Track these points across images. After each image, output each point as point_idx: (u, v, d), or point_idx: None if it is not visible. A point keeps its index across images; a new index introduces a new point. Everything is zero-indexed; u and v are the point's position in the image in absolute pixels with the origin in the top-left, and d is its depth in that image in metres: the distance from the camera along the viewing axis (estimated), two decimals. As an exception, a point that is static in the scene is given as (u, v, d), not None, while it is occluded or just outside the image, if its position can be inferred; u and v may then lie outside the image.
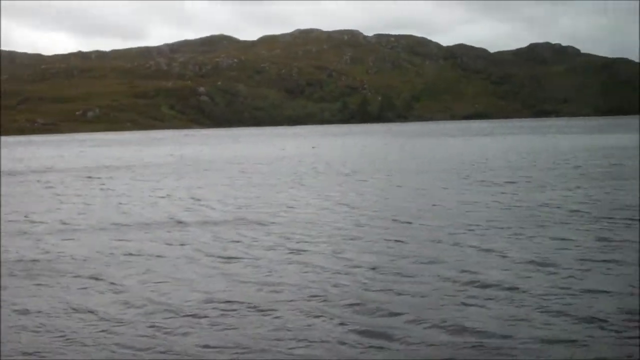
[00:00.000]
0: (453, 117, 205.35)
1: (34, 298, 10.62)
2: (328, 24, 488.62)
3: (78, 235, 16.51)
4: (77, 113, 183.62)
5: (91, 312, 9.76)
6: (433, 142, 67.72)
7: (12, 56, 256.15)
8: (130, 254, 13.78)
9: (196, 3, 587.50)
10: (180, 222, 18.06)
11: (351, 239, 14.78)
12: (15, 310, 9.89)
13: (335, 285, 10.79)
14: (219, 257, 13.29)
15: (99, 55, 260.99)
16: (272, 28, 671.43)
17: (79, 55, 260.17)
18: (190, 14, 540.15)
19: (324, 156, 47.91)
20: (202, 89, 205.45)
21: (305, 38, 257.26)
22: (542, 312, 9.06)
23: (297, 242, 14.57)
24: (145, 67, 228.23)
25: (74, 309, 9.95)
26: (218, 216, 19.08)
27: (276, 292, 10.50)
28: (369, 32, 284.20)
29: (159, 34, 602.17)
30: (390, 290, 10.41)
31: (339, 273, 11.66)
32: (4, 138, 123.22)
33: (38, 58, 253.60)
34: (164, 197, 24.70)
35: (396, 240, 14.38)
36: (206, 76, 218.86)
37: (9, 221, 18.99)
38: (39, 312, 9.82)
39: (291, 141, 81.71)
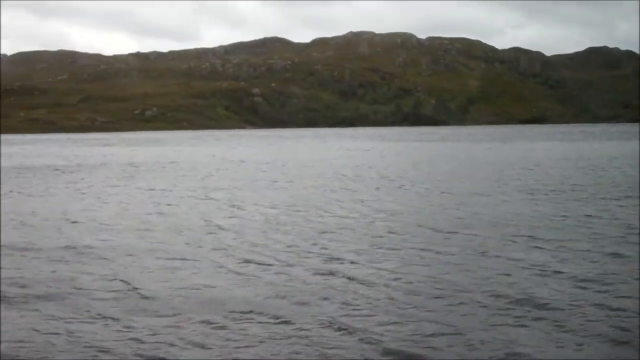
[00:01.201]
0: (509, 121, 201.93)
1: None
2: (380, 27, 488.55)
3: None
4: (135, 112, 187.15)
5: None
6: (488, 147, 66.25)
7: (73, 56, 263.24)
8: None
9: (249, 4, 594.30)
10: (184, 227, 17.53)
11: (388, 249, 14.12)
12: None
13: (369, 300, 10.18)
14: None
15: (157, 55, 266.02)
16: (324, 30, 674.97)
17: (138, 55, 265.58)
18: (243, 15, 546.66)
19: (369, 159, 47.23)
20: (256, 90, 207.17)
21: (358, 40, 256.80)
22: (591, 335, 8.33)
23: (330, 250, 14.00)
24: (201, 68, 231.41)
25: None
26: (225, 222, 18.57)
27: (299, 302, 9.96)
28: (421, 35, 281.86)
29: (213, 35, 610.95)
30: (429, 307, 9.76)
31: (372, 285, 11.04)
32: (67, 135, 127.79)
33: (98, 58, 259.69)
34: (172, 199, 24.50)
35: (436, 252, 13.68)
36: (260, 77, 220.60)
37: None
38: None
39: (341, 143, 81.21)
